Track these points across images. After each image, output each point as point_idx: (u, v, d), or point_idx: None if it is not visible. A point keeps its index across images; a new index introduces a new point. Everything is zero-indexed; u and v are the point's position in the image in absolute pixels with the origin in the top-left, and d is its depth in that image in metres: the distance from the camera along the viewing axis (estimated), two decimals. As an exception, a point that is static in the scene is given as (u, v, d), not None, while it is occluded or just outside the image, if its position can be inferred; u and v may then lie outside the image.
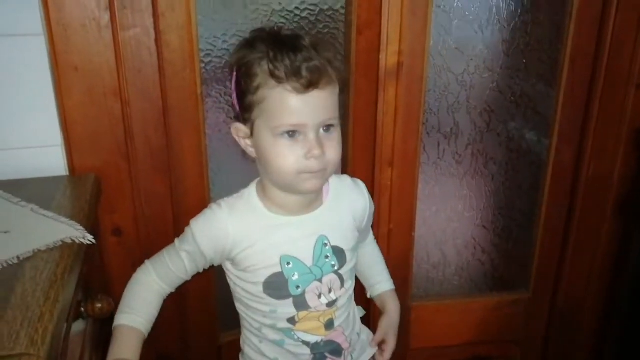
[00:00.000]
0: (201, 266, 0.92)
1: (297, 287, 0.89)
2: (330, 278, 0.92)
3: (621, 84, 1.31)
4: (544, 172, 1.42)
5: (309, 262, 0.90)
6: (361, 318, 1.05)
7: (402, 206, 1.35)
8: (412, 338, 1.18)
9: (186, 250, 0.89)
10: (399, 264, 1.14)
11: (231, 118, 1.21)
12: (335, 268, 0.92)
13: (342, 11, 1.21)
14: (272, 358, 0.95)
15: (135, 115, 1.07)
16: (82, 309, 0.88)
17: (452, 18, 1.26)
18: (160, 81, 1.07)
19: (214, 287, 1.28)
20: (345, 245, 0.93)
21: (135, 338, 0.86)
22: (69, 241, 0.80)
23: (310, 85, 0.78)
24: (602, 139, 1.36)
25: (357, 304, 1.04)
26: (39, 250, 0.77)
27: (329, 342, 0.95)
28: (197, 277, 0.95)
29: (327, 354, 0.95)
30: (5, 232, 0.82)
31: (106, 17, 1.00)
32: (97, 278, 1.09)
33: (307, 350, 0.94)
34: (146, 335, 0.87)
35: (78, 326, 0.87)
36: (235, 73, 0.85)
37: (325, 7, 1.19)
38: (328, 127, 0.83)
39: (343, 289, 0.94)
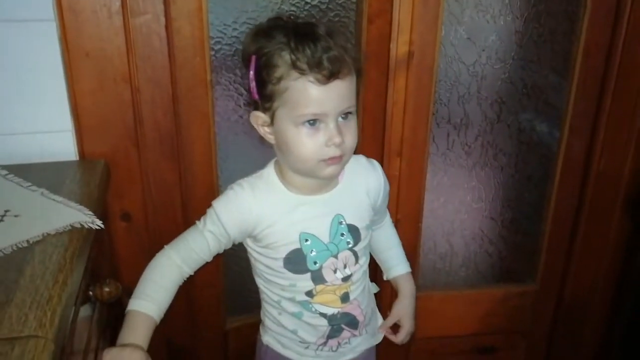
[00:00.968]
0: (223, 246, 0.94)
1: (315, 262, 0.93)
2: (345, 254, 0.95)
3: (635, 77, 1.29)
4: (554, 165, 1.41)
5: (325, 239, 0.93)
6: (375, 294, 1.08)
7: (410, 197, 1.35)
8: (418, 328, 1.20)
9: (210, 230, 0.92)
10: (406, 254, 1.15)
11: (240, 106, 1.21)
12: (350, 245, 0.96)
13: (354, -1, 1.20)
14: (291, 329, 0.99)
15: (145, 101, 1.08)
16: (90, 293, 0.89)
17: (464, 7, 1.25)
18: (170, 68, 1.07)
19: (221, 274, 1.29)
20: (360, 223, 0.97)
21: (146, 325, 0.87)
22: (78, 226, 0.81)
23: (332, 75, 0.81)
24: (614, 133, 1.34)
25: (371, 281, 1.07)
26: (49, 234, 0.79)
27: (345, 314, 0.98)
28: (204, 263, 0.96)
29: (343, 326, 0.99)
30: (16, 216, 0.83)
31: (117, 3, 1.00)
32: (106, 262, 1.10)
33: (325, 322, 0.97)
34: (158, 322, 0.89)
35: (85, 310, 0.88)
36: (254, 62, 0.85)
37: (337, -5, 1.18)
38: (346, 115, 0.86)
39: (357, 265, 0.97)
